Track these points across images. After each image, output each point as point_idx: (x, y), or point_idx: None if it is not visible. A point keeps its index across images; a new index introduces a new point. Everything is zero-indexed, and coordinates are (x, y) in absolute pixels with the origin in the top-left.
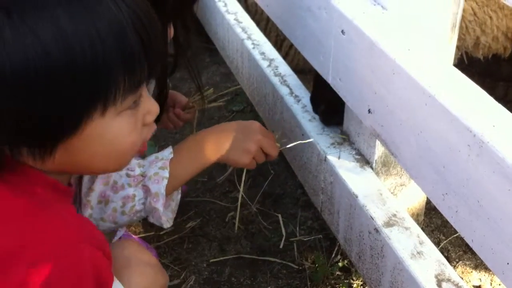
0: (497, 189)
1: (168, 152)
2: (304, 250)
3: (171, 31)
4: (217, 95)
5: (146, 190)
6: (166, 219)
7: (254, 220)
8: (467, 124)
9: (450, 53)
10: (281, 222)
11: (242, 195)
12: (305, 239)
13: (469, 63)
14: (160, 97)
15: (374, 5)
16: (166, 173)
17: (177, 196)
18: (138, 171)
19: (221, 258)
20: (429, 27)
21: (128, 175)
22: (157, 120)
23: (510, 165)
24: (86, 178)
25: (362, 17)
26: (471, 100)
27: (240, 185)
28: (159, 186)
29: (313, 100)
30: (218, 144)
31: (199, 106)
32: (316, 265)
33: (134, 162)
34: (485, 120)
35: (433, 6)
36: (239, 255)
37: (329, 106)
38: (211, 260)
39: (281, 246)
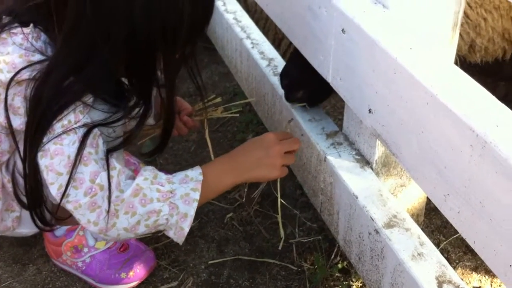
0: (500, 190)
1: (198, 173)
2: (303, 251)
3: None
4: (232, 104)
5: (173, 208)
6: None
7: (253, 221)
8: (470, 124)
9: (451, 52)
10: (280, 223)
11: (280, 202)
12: (304, 240)
13: (470, 62)
14: (169, 100)
15: (375, 3)
16: (197, 196)
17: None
18: (168, 187)
19: (220, 260)
20: (430, 26)
21: (158, 190)
22: (170, 125)
23: None
24: (114, 185)
25: (362, 16)
26: (473, 100)
27: (277, 193)
28: (189, 208)
29: (282, 73)
30: (243, 166)
31: (209, 114)
32: (315, 266)
33: (164, 177)
34: (487, 120)
35: (434, 4)
36: (237, 257)
37: (294, 81)
38: (210, 262)
39: (280, 248)
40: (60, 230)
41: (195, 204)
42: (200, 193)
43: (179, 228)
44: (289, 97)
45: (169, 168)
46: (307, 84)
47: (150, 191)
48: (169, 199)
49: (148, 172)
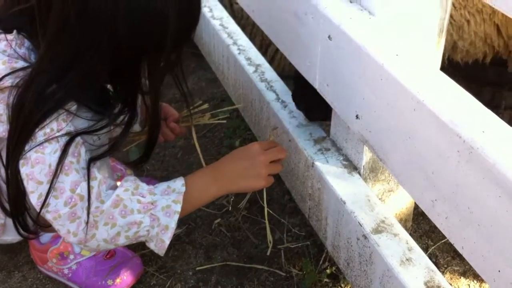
0: (488, 196)
1: (180, 184)
2: (291, 257)
3: None
4: (219, 110)
5: (154, 219)
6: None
7: (241, 227)
8: (456, 130)
9: (437, 58)
10: (268, 228)
11: (266, 210)
12: (292, 246)
13: (454, 67)
14: (154, 107)
15: (361, 10)
16: (178, 208)
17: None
18: (149, 198)
19: (208, 266)
20: (417, 32)
21: (139, 201)
22: (155, 133)
23: (501, 171)
24: (94, 195)
25: (349, 23)
26: (460, 106)
27: (263, 203)
28: (170, 220)
29: (295, 97)
30: (228, 177)
31: (195, 121)
32: (304, 272)
33: (146, 188)
34: (474, 126)
35: (420, 11)
36: (225, 263)
37: (311, 102)
38: (197, 268)
39: (268, 253)
40: (46, 237)
41: (176, 217)
42: (181, 205)
43: (160, 240)
44: (312, 118)
45: (156, 174)
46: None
47: (131, 202)
48: (150, 211)
49: (129, 183)
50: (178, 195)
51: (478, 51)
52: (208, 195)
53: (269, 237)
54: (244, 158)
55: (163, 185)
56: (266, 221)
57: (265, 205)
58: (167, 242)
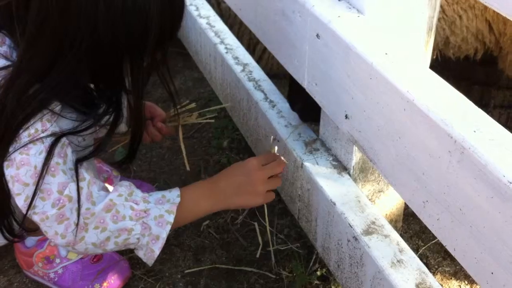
0: (479, 196)
1: (175, 195)
2: (281, 259)
3: None
4: (207, 109)
5: (145, 228)
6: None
7: (230, 229)
8: (448, 130)
9: (427, 56)
10: (257, 230)
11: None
12: (282, 248)
13: (443, 66)
14: (136, 106)
15: (350, 8)
16: (171, 218)
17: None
18: (142, 206)
19: (196, 269)
20: (406, 31)
21: (132, 208)
22: (139, 133)
23: (492, 172)
24: (84, 196)
25: (337, 21)
26: (450, 105)
27: (265, 220)
28: (161, 230)
29: (290, 98)
30: (224, 193)
31: (183, 120)
32: (294, 274)
33: (140, 195)
34: (465, 126)
35: (409, 10)
36: (214, 265)
37: (306, 103)
38: (186, 271)
39: (257, 255)
40: (31, 241)
41: (168, 227)
42: (174, 216)
43: (150, 250)
44: (307, 119)
45: (143, 175)
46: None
47: (124, 208)
48: (142, 219)
49: (123, 188)
50: (172, 205)
51: (469, 46)
52: (202, 209)
53: (259, 239)
54: (241, 174)
55: (158, 194)
56: (267, 230)
57: (267, 224)
58: (157, 252)
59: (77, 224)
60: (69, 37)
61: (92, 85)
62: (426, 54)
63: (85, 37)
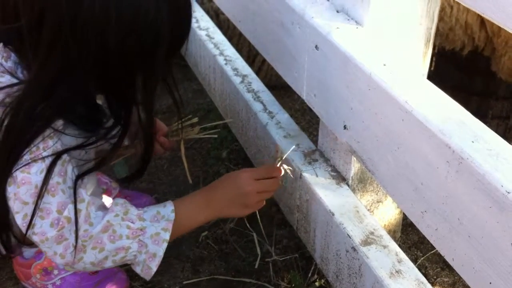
0: (478, 206)
1: (170, 211)
2: (280, 269)
3: None
4: (209, 124)
5: (141, 245)
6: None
7: (228, 239)
8: (446, 140)
9: (425, 68)
10: (256, 241)
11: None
12: (281, 259)
13: (442, 77)
14: (148, 121)
15: (348, 20)
16: (167, 236)
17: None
18: (138, 224)
19: (195, 280)
20: (404, 42)
21: (128, 227)
22: (151, 147)
23: (491, 182)
24: (82, 218)
25: (336, 32)
26: (448, 116)
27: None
28: (158, 248)
29: None
30: (217, 204)
31: (185, 135)
32: (293, 285)
33: (135, 212)
34: (464, 136)
35: (407, 21)
36: (213, 276)
37: None
38: (184, 282)
39: (256, 266)
40: (29, 252)
41: (165, 245)
42: (170, 233)
43: (147, 267)
44: None
45: (142, 186)
46: None
47: (120, 227)
48: (139, 237)
49: (119, 208)
50: (167, 222)
51: (456, 38)
52: (197, 221)
53: (257, 249)
54: (233, 186)
55: (152, 210)
56: (264, 236)
57: (262, 228)
58: (154, 269)
59: (75, 246)
60: (77, 52)
61: (101, 102)
62: (424, 65)
63: (93, 51)
